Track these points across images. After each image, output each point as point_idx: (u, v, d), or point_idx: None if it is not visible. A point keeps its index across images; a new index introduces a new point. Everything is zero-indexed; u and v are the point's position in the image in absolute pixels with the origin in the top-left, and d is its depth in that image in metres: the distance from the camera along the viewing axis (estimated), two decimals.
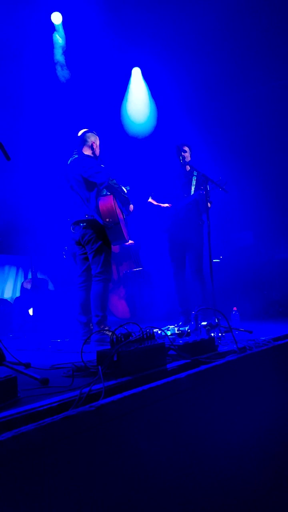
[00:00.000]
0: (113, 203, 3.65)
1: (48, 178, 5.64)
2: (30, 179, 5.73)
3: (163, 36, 6.50)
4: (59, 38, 6.45)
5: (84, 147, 3.88)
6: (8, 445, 1.16)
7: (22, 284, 6.00)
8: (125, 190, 3.94)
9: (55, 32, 6.42)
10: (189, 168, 4.61)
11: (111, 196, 3.71)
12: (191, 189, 4.58)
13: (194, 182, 4.58)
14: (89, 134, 3.90)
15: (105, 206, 3.65)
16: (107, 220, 3.61)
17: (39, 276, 5.79)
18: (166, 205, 4.53)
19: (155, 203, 4.61)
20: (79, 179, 3.73)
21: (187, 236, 4.48)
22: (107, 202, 3.66)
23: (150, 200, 4.65)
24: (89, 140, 3.88)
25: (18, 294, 6.12)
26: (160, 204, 4.57)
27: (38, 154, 5.81)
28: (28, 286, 5.75)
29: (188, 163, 4.48)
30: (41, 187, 5.80)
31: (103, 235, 3.68)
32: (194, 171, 4.56)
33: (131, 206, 4.04)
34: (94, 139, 3.91)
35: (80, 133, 3.95)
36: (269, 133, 6.81)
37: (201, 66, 6.67)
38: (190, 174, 4.62)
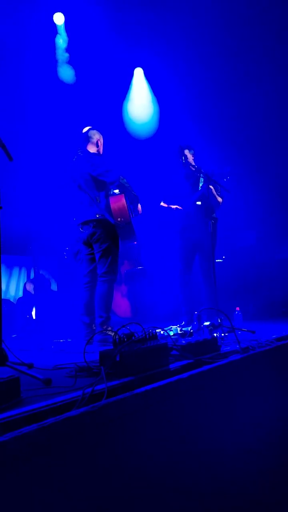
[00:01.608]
0: (125, 203, 3.59)
1: (51, 177, 5.64)
2: (33, 179, 5.73)
3: (165, 35, 6.50)
4: (61, 39, 6.46)
5: (89, 144, 3.80)
6: (11, 446, 1.16)
7: (24, 284, 6.01)
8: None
9: (58, 32, 6.44)
10: (194, 168, 4.61)
11: (122, 195, 3.64)
12: (199, 187, 4.57)
13: (202, 179, 4.57)
14: (94, 132, 3.83)
15: (116, 206, 3.58)
16: (119, 219, 3.55)
17: (41, 276, 5.79)
18: (177, 206, 4.53)
19: (166, 205, 4.62)
20: (87, 178, 3.65)
21: (199, 235, 4.44)
22: (119, 202, 3.59)
23: (162, 204, 4.65)
24: (94, 137, 3.80)
25: (20, 294, 6.13)
26: (171, 206, 4.57)
27: (40, 155, 5.81)
28: (30, 287, 5.75)
29: (192, 164, 4.48)
30: (43, 186, 5.80)
31: (112, 235, 3.62)
32: (201, 171, 4.56)
33: (139, 207, 3.99)
34: (98, 136, 3.83)
35: (84, 130, 3.88)
36: (272, 132, 6.79)
37: (204, 65, 6.66)
38: (197, 172, 4.60)
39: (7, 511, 1.13)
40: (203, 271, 4.51)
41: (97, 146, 3.81)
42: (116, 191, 3.74)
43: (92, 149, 3.80)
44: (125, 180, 3.70)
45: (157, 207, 4.69)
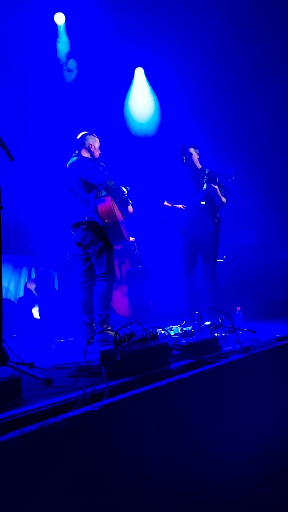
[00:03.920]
0: (111, 204, 3.71)
1: (52, 177, 5.64)
2: (33, 178, 5.74)
3: (165, 35, 6.50)
4: (62, 39, 6.47)
5: (83, 149, 3.93)
6: (11, 445, 1.16)
7: (25, 284, 6.02)
8: (125, 190, 3.97)
9: (58, 32, 6.44)
10: (200, 166, 4.60)
11: (109, 197, 3.77)
12: (203, 186, 4.56)
13: (205, 181, 4.56)
14: (87, 137, 3.95)
15: (103, 208, 3.70)
16: (106, 221, 3.66)
17: (43, 273, 5.80)
18: (180, 206, 4.52)
19: (170, 205, 4.61)
20: (78, 181, 3.78)
21: (202, 235, 4.43)
22: (106, 204, 3.72)
23: (165, 203, 4.64)
24: (87, 142, 3.92)
25: (21, 294, 6.14)
26: (174, 205, 4.57)
27: (41, 155, 5.82)
28: (31, 287, 5.76)
29: (196, 163, 4.48)
30: (44, 186, 5.81)
31: (103, 236, 3.71)
32: (206, 169, 4.55)
33: (130, 207, 4.08)
34: (92, 141, 3.95)
35: (79, 136, 3.99)
36: (273, 132, 6.79)
37: (204, 65, 6.66)
38: (202, 172, 4.58)
39: (7, 511, 1.13)
40: (205, 271, 4.50)
41: (90, 151, 3.92)
42: (103, 193, 3.84)
43: (85, 154, 3.92)
44: (112, 182, 3.82)
45: (160, 207, 4.69)
